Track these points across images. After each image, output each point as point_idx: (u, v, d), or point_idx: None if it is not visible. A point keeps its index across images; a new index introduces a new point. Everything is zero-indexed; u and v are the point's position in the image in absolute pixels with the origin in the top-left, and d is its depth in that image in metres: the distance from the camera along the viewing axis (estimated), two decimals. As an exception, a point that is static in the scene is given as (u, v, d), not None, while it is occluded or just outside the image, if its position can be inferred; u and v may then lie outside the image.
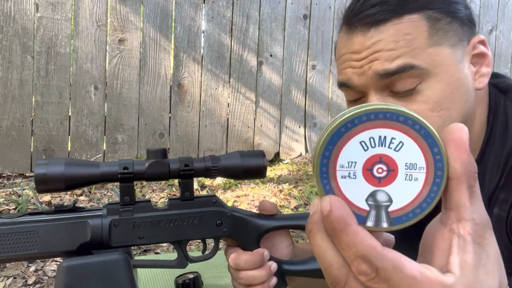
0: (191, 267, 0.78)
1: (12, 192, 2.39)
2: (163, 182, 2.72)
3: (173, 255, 0.74)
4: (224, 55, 3.13)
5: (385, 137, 0.32)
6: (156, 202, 2.44)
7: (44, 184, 0.63)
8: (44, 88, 2.68)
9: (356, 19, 0.68)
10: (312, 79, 3.43)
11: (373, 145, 0.32)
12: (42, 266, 1.75)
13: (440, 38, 0.65)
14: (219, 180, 2.80)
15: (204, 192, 2.70)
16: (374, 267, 0.30)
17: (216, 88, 3.12)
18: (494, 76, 0.75)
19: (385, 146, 0.32)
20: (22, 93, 2.63)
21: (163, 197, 2.57)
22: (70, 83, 2.74)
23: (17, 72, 2.61)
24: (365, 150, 0.32)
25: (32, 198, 2.29)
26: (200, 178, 2.65)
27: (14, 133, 2.62)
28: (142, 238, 0.69)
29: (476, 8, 3.96)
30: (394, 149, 0.32)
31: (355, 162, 0.32)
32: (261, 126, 3.28)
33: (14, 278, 1.67)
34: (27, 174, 2.67)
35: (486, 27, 4.01)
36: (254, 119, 3.26)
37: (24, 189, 2.39)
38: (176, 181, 2.31)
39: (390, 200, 0.33)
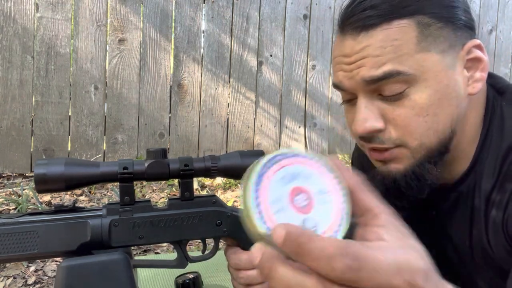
0: (191, 267, 0.78)
1: (12, 192, 2.39)
2: (163, 182, 2.72)
3: (173, 255, 0.74)
4: (224, 55, 3.14)
5: (297, 172, 0.38)
6: (156, 202, 2.44)
7: (44, 184, 0.63)
8: (44, 88, 2.68)
9: (348, 22, 0.68)
10: (312, 79, 3.43)
11: (290, 180, 0.38)
12: (42, 266, 1.75)
13: (429, 44, 0.65)
14: (219, 180, 2.80)
15: (204, 192, 2.70)
16: (348, 261, 0.32)
17: (216, 88, 3.13)
18: (489, 76, 0.74)
19: (298, 179, 0.38)
20: (22, 93, 2.63)
21: (163, 197, 2.57)
22: (70, 83, 2.74)
23: (17, 72, 2.61)
24: (285, 185, 0.38)
25: (32, 198, 2.29)
26: (200, 178, 2.65)
27: (14, 133, 2.62)
28: (142, 238, 0.69)
29: (476, 8, 3.96)
30: (306, 181, 0.38)
31: (281, 197, 0.37)
32: (261, 126, 3.28)
33: (14, 278, 1.67)
34: (27, 174, 2.67)
35: (486, 27, 4.01)
36: (254, 119, 3.26)
37: (24, 189, 2.39)
38: (176, 181, 2.31)
39: (317, 224, 0.37)
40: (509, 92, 0.72)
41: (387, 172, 0.70)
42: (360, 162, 0.93)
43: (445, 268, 0.84)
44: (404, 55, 0.64)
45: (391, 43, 0.64)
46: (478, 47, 0.68)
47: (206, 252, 0.76)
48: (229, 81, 3.16)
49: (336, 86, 0.73)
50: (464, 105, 0.68)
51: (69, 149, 2.76)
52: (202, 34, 3.07)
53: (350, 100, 0.72)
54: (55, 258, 1.70)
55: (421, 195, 0.70)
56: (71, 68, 2.73)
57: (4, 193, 2.37)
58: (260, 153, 0.73)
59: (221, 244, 0.79)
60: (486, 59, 0.69)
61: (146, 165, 0.68)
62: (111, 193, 2.55)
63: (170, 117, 3.00)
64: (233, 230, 0.74)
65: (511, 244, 0.64)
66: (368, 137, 0.69)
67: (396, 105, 0.66)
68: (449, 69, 0.66)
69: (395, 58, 0.64)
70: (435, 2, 0.66)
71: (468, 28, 0.69)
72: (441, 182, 0.75)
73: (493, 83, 0.74)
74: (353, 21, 0.67)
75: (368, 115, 0.67)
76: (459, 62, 0.68)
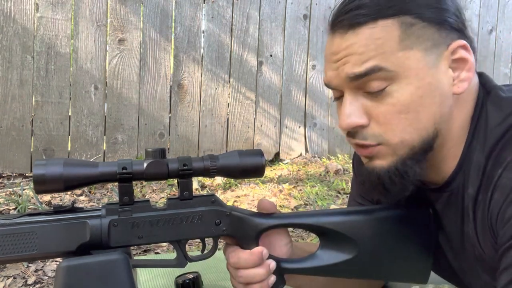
0: (190, 266, 0.78)
1: (12, 192, 2.39)
2: (163, 182, 2.72)
3: (172, 255, 0.74)
4: (224, 55, 3.14)
5: None
6: (156, 202, 2.44)
7: (42, 184, 0.63)
8: (44, 88, 2.68)
9: (337, 21, 0.70)
10: (312, 79, 3.43)
11: None
12: (42, 266, 1.75)
13: (411, 43, 0.66)
14: (219, 180, 2.80)
15: (204, 192, 2.70)
16: None
17: (216, 88, 3.13)
18: (480, 75, 0.75)
19: None
20: (22, 93, 2.63)
21: (163, 197, 2.57)
22: (70, 83, 2.74)
23: (17, 72, 2.61)
24: None
25: (32, 198, 2.29)
26: (200, 178, 2.66)
27: (14, 133, 2.62)
28: (141, 238, 0.69)
29: (476, 8, 3.96)
30: None
31: None
32: (261, 126, 3.28)
33: (14, 278, 1.67)
34: (27, 174, 2.68)
35: (486, 27, 4.01)
36: (254, 119, 3.26)
37: (24, 189, 2.39)
38: (176, 181, 2.30)
39: None
40: (494, 92, 0.72)
41: (372, 168, 0.72)
42: (360, 161, 0.93)
43: (445, 270, 0.84)
44: (386, 53, 0.66)
45: (374, 42, 0.66)
46: (464, 47, 0.69)
47: (206, 251, 0.76)
48: (229, 81, 3.16)
49: (326, 85, 0.75)
50: (449, 104, 0.69)
51: (69, 149, 2.76)
52: (202, 34, 3.07)
53: (339, 97, 0.74)
54: (55, 259, 1.70)
55: (405, 192, 0.71)
56: (71, 68, 2.73)
57: (4, 193, 2.38)
58: (259, 153, 0.74)
59: (220, 243, 0.80)
60: (471, 60, 0.69)
61: (145, 165, 0.68)
62: (111, 193, 2.55)
63: (170, 117, 3.01)
64: (232, 229, 0.74)
65: (496, 240, 0.64)
66: (352, 132, 0.71)
67: (379, 102, 0.68)
68: (432, 68, 0.67)
69: (377, 56, 0.66)
70: (420, 3, 0.67)
71: (456, 30, 0.69)
72: (433, 181, 0.75)
73: (483, 82, 0.75)
74: (342, 20, 0.69)
75: (352, 111, 0.69)
76: (444, 62, 0.68)
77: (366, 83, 0.67)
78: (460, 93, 0.69)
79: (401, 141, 0.68)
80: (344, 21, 0.68)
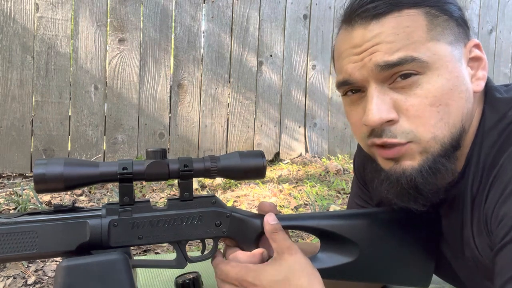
0: (190, 267, 0.78)
1: (12, 192, 2.39)
2: (163, 182, 2.72)
3: (172, 255, 0.74)
4: (224, 55, 3.13)
5: None
6: (156, 202, 2.44)
7: (43, 184, 0.63)
8: (44, 88, 2.68)
9: (356, 14, 0.68)
10: (312, 79, 3.43)
11: None
12: (42, 266, 1.75)
13: (438, 34, 0.65)
14: (219, 180, 2.80)
15: (204, 192, 2.70)
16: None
17: (216, 88, 3.12)
18: None
19: None
20: (22, 93, 2.63)
21: (163, 197, 2.57)
22: (70, 83, 2.74)
23: (17, 72, 2.61)
24: None
25: (32, 198, 2.29)
26: (200, 178, 2.65)
27: (14, 133, 2.62)
28: (141, 238, 0.69)
29: (476, 8, 3.96)
30: None
31: None
32: (261, 126, 3.28)
33: (14, 278, 1.67)
34: (27, 174, 2.67)
35: (486, 27, 4.01)
36: (254, 119, 3.26)
37: (24, 189, 2.39)
38: (176, 181, 2.30)
39: None
40: (490, 94, 0.72)
41: (401, 171, 0.67)
42: (363, 169, 0.92)
43: (448, 275, 0.83)
44: (416, 42, 0.64)
45: (403, 30, 0.64)
46: (477, 46, 0.69)
47: (206, 252, 0.76)
48: (229, 81, 3.16)
49: (343, 82, 0.70)
50: (472, 101, 0.68)
51: (69, 149, 2.75)
52: (202, 34, 3.07)
53: (356, 93, 0.70)
54: (54, 258, 1.70)
55: (438, 193, 0.68)
56: (71, 68, 2.73)
57: (4, 193, 2.38)
58: (260, 154, 0.73)
59: (221, 244, 0.79)
60: (485, 58, 0.70)
61: (145, 165, 0.68)
62: (111, 193, 2.55)
63: (170, 117, 3.00)
64: (233, 231, 0.74)
65: (491, 239, 0.63)
66: (379, 131, 0.67)
67: (408, 95, 0.65)
68: (458, 62, 0.67)
69: (408, 45, 0.64)
70: None
71: (466, 26, 0.70)
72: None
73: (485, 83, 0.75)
74: (362, 12, 0.67)
75: (381, 105, 0.65)
76: (464, 59, 0.68)
77: (395, 73, 0.65)
78: (478, 91, 0.69)
79: (433, 138, 0.65)
80: (365, 12, 0.66)
